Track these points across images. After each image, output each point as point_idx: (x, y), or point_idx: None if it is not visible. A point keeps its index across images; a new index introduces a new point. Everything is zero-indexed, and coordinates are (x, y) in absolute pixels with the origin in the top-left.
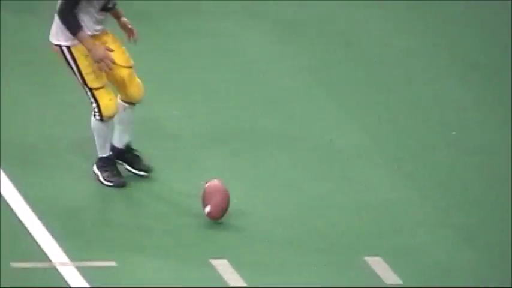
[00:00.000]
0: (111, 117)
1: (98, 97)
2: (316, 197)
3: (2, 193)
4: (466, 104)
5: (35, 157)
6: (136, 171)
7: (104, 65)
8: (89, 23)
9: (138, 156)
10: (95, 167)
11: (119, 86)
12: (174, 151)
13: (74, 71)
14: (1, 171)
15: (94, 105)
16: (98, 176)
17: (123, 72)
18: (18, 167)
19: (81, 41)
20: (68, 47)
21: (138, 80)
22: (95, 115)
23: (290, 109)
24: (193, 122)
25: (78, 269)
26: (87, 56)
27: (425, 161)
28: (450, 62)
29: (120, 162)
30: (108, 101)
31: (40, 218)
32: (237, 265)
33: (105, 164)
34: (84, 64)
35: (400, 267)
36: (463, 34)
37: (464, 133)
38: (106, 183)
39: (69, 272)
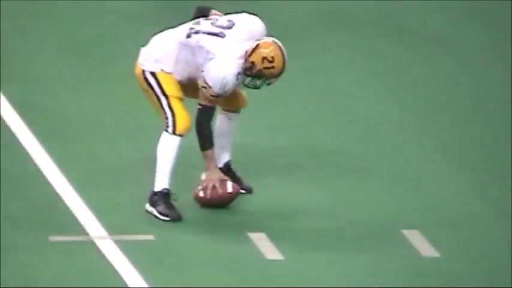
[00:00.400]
0: (185, 130)
1: (173, 107)
2: (353, 170)
3: (40, 167)
4: (503, 77)
5: (73, 130)
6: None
7: (209, 186)
8: (184, 73)
9: (238, 177)
10: (148, 205)
11: (223, 100)
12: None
13: (152, 89)
14: (40, 144)
15: (169, 117)
16: (151, 212)
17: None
18: (56, 141)
19: (207, 158)
20: (152, 73)
21: (239, 90)
22: (167, 129)
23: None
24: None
25: (116, 242)
26: (171, 77)
27: (463, 134)
28: (488, 36)
29: None
30: (184, 111)
31: (78, 192)
32: (275, 238)
33: (161, 198)
34: (165, 81)
35: (437, 240)
36: (501, 11)
37: (501, 106)
38: (163, 218)
39: (107, 246)
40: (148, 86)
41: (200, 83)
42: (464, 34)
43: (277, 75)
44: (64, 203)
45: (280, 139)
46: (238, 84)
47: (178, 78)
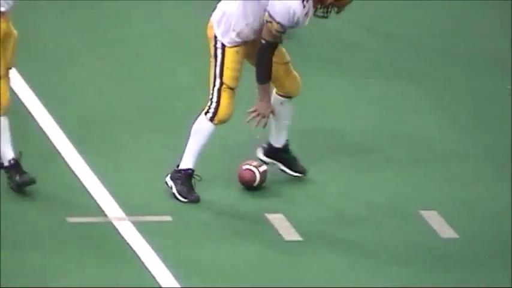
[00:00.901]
0: (223, 122)
1: (222, 95)
2: (371, 151)
3: (59, 148)
4: None
5: (90, 112)
6: (293, 173)
7: (259, 119)
8: (248, 32)
9: (295, 157)
10: (168, 178)
11: (276, 80)
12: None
13: (216, 61)
14: (57, 126)
15: (213, 103)
16: (171, 187)
17: (280, 68)
18: (75, 122)
19: (262, 90)
20: (223, 44)
21: (294, 73)
22: (207, 113)
23: None
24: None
25: (134, 223)
26: (237, 52)
27: (482, 114)
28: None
29: (275, 162)
30: (229, 104)
31: (96, 174)
32: (293, 219)
33: (183, 177)
34: (229, 59)
35: (455, 221)
36: None
37: None
38: (181, 198)
39: (125, 227)
40: (214, 57)
41: (265, 17)
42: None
43: (347, 5)
44: (82, 184)
45: (300, 121)
46: (306, 15)
47: (248, 34)
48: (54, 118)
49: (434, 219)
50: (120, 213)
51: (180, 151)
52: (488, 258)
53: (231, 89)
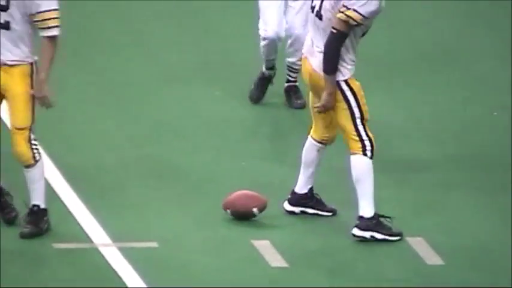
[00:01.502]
0: None
1: (367, 129)
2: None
3: (47, 176)
4: (506, 85)
5: (78, 138)
6: (326, 213)
7: (321, 108)
8: (352, 55)
9: (321, 200)
10: (361, 231)
11: (324, 125)
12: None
13: (350, 105)
14: (45, 152)
15: (367, 141)
16: (373, 237)
17: (332, 114)
18: (64, 149)
19: (330, 81)
20: (346, 81)
21: None
22: (365, 153)
23: None
24: None
25: (120, 249)
26: (356, 80)
27: (468, 141)
28: (491, 43)
29: (303, 209)
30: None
31: (82, 200)
32: (278, 246)
33: (379, 223)
34: (358, 91)
35: (441, 248)
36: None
37: (505, 114)
38: (394, 238)
39: (111, 253)
40: (345, 101)
41: (340, 7)
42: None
43: None
44: (68, 210)
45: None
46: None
47: (349, 56)
48: (42, 146)
49: (420, 246)
50: (107, 239)
51: (167, 176)
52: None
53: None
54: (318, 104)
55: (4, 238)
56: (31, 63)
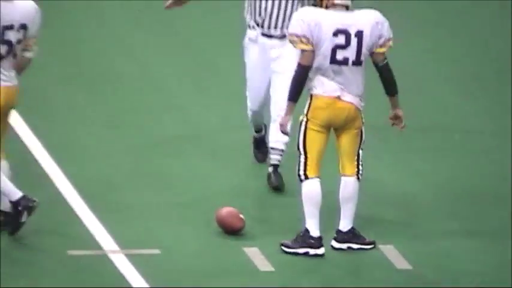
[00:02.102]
0: None
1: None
2: (333, 193)
3: (58, 186)
4: (467, 110)
5: (83, 150)
6: (368, 246)
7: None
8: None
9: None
10: (343, 245)
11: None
12: None
13: (362, 131)
14: (55, 164)
15: (361, 166)
16: (352, 248)
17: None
18: (75, 168)
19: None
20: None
21: None
22: (358, 176)
23: None
24: None
25: (127, 256)
26: None
27: (434, 160)
28: (452, 71)
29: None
30: None
31: (93, 210)
32: (266, 252)
33: (352, 233)
34: None
35: (409, 254)
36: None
37: (466, 137)
38: (368, 247)
39: (119, 259)
40: (362, 126)
41: (380, 42)
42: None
43: None
44: (80, 220)
45: None
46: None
47: None
48: (57, 163)
49: (391, 252)
50: (115, 246)
51: (169, 189)
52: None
53: None
54: (400, 123)
55: (20, 248)
56: None
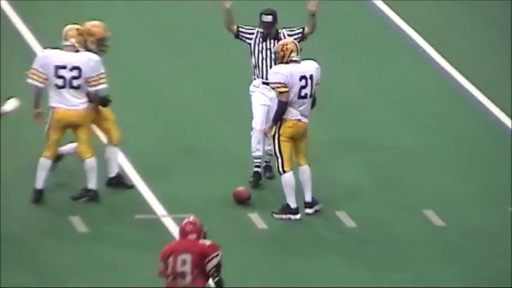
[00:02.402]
0: None
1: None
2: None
3: (127, 173)
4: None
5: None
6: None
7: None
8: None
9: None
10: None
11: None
12: None
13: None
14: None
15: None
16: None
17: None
18: (137, 155)
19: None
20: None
21: None
22: (309, 165)
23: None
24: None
25: (173, 219)
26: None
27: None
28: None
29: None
30: None
31: (143, 179)
32: (262, 217)
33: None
34: None
35: (356, 218)
36: None
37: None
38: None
39: (169, 222)
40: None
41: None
42: None
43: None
44: (140, 191)
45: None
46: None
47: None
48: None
49: (343, 215)
50: (165, 212)
51: (199, 163)
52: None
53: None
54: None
55: (95, 215)
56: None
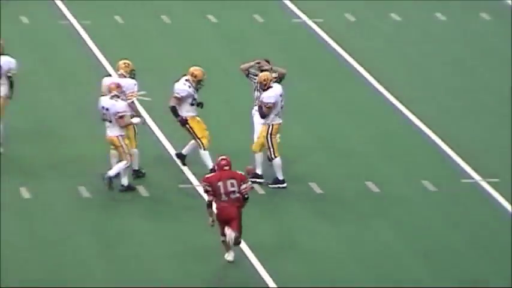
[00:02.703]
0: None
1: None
2: (287, 163)
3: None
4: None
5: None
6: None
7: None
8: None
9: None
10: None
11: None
12: None
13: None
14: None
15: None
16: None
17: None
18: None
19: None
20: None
21: None
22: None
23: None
24: None
25: (197, 187)
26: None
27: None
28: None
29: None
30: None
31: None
32: (261, 186)
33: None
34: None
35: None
36: None
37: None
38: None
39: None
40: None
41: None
42: None
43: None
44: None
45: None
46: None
47: None
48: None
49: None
50: (197, 183)
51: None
52: None
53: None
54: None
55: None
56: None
